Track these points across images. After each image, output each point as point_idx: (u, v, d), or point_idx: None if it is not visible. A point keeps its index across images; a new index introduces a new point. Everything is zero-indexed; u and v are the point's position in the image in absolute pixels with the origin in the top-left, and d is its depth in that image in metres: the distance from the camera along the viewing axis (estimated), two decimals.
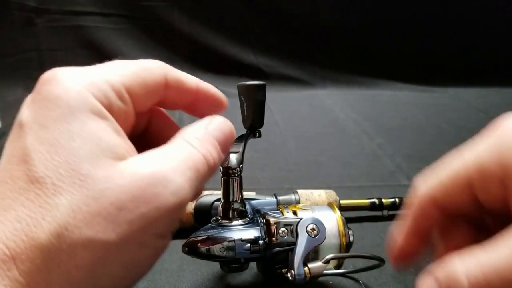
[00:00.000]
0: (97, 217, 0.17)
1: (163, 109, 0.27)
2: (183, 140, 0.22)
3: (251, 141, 0.32)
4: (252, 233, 0.30)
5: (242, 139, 0.31)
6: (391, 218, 0.46)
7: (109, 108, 0.20)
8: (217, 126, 0.24)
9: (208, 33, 0.95)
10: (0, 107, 0.75)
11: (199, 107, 0.26)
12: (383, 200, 0.45)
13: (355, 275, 0.35)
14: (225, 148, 0.24)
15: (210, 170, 0.22)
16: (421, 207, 0.26)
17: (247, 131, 0.31)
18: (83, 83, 0.20)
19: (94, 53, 0.91)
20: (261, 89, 0.31)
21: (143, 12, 0.94)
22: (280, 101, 0.84)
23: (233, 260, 0.30)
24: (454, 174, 0.24)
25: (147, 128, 0.26)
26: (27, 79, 0.90)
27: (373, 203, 0.44)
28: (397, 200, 0.45)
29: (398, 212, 0.45)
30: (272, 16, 0.98)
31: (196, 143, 0.22)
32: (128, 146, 0.21)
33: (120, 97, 0.21)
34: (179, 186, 0.19)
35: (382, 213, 0.45)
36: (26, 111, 0.20)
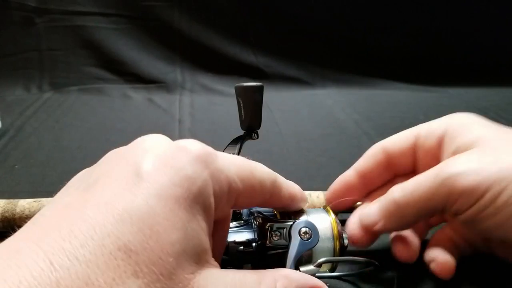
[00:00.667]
0: None
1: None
2: (273, 279, 0.21)
3: (251, 141, 0.32)
4: (245, 235, 0.30)
5: (238, 141, 0.31)
6: None
7: (216, 206, 0.20)
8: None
9: (208, 33, 0.95)
10: (0, 107, 0.75)
11: (284, 206, 0.28)
12: None
13: (351, 278, 0.35)
14: None
15: None
16: (370, 151, 0.35)
17: (244, 132, 0.32)
18: (212, 172, 0.19)
19: (94, 53, 0.91)
20: (259, 90, 0.31)
21: (143, 12, 0.93)
22: (280, 101, 0.84)
23: (226, 262, 0.30)
24: (407, 132, 0.34)
25: None
26: (27, 79, 0.91)
27: None
28: None
29: None
30: (272, 16, 0.98)
31: None
32: (211, 250, 0.20)
33: (229, 201, 0.21)
34: None
35: None
36: (151, 163, 0.19)
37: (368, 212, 0.31)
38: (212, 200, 0.19)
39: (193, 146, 0.20)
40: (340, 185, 0.34)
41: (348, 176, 0.34)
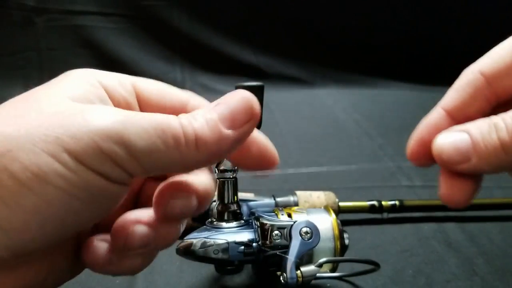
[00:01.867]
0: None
1: None
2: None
3: None
4: (246, 235, 0.30)
5: None
6: (390, 221, 0.45)
7: (111, 89, 0.23)
8: (225, 101, 0.21)
9: (208, 33, 0.95)
10: None
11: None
12: (383, 203, 0.44)
13: (352, 278, 0.35)
14: (233, 124, 0.19)
15: (187, 146, 0.18)
16: (462, 80, 0.25)
17: None
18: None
19: (94, 52, 0.91)
20: (259, 90, 0.31)
21: (143, 12, 0.93)
22: (280, 100, 0.84)
23: (227, 262, 0.30)
24: (506, 43, 0.24)
25: None
26: (26, 78, 0.90)
27: (373, 205, 0.44)
28: (397, 202, 0.45)
29: (397, 215, 0.45)
30: (272, 16, 0.98)
31: (184, 117, 0.19)
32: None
33: (125, 89, 0.24)
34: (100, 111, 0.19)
35: (382, 215, 0.45)
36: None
37: (461, 138, 0.21)
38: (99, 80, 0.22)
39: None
40: (425, 130, 0.24)
41: (434, 118, 0.25)
